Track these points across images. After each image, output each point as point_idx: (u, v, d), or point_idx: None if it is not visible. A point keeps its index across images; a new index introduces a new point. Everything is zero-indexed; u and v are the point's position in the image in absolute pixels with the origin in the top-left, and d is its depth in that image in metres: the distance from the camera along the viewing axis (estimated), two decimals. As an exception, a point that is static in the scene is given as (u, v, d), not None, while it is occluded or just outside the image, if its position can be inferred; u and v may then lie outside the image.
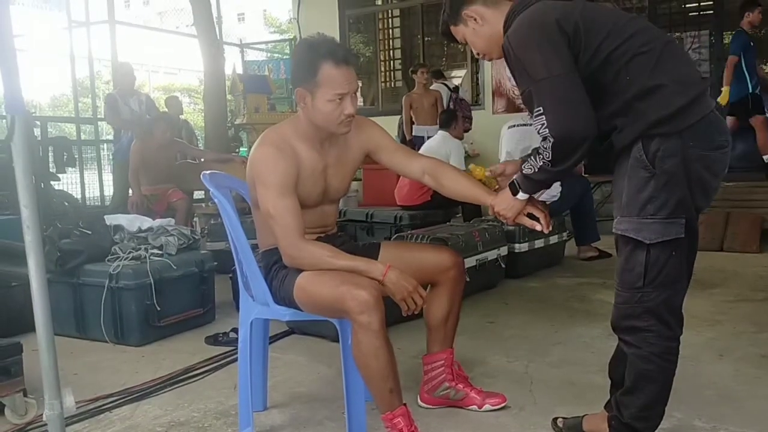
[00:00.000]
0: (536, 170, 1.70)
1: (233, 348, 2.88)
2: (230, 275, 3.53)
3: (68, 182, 7.55)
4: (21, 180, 1.53)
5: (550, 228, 1.93)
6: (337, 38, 2.63)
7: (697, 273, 4.30)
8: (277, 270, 2.01)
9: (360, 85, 9.32)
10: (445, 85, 7.70)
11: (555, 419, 2.04)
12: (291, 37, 11.78)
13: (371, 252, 2.13)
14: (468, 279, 2.44)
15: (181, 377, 2.62)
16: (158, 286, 3.12)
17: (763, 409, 2.18)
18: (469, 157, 6.79)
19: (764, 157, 5.88)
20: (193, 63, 16.86)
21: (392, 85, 9.66)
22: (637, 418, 1.73)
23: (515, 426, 2.10)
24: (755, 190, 5.80)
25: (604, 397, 1.90)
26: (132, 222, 3.44)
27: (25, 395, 2.28)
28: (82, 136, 9.24)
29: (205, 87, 7.98)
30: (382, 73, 9.43)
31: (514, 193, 1.84)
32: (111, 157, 7.26)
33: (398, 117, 7.51)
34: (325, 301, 1.85)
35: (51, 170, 6.52)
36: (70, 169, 7.04)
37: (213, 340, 3.09)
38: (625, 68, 1.60)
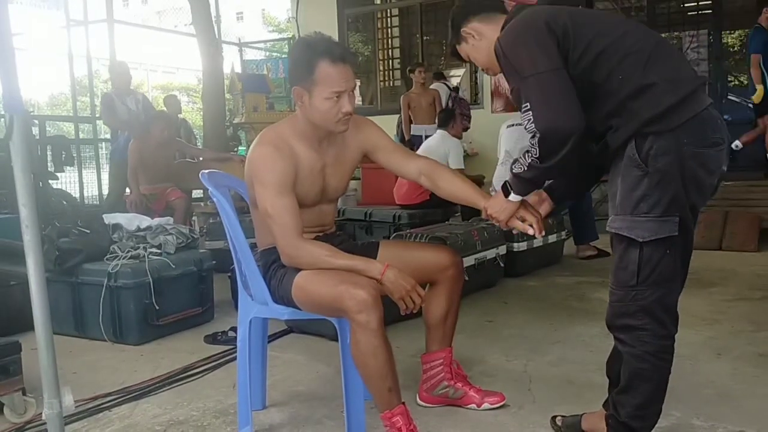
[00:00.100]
0: (526, 168, 1.71)
1: (232, 347, 2.88)
2: (229, 274, 3.53)
3: (66, 181, 7.54)
4: (20, 179, 1.53)
5: (543, 233, 1.93)
6: (336, 37, 2.64)
7: (696, 272, 4.32)
8: (275, 269, 2.01)
9: (359, 84, 9.33)
10: (446, 84, 7.71)
11: (554, 418, 2.04)
12: (290, 36, 11.76)
13: (370, 251, 2.13)
14: (467, 278, 2.44)
15: (180, 376, 2.62)
16: (157, 285, 3.12)
17: (761, 407, 2.19)
18: (467, 156, 6.80)
19: None
20: (192, 62, 16.83)
21: (391, 85, 9.66)
22: (634, 417, 1.74)
23: (514, 425, 2.10)
24: (753, 189, 5.81)
25: (603, 395, 1.90)
26: (131, 221, 3.44)
27: (24, 394, 2.28)
28: (81, 135, 9.21)
29: (203, 86, 7.98)
30: (381, 72, 9.43)
31: (507, 194, 1.85)
32: (108, 156, 7.25)
33: (397, 116, 7.51)
34: (324, 301, 1.85)
35: (49, 169, 6.51)
36: (68, 168, 7.03)
37: (212, 339, 3.09)
38: (618, 67, 1.61)
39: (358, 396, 1.95)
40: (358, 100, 9.17)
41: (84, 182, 7.93)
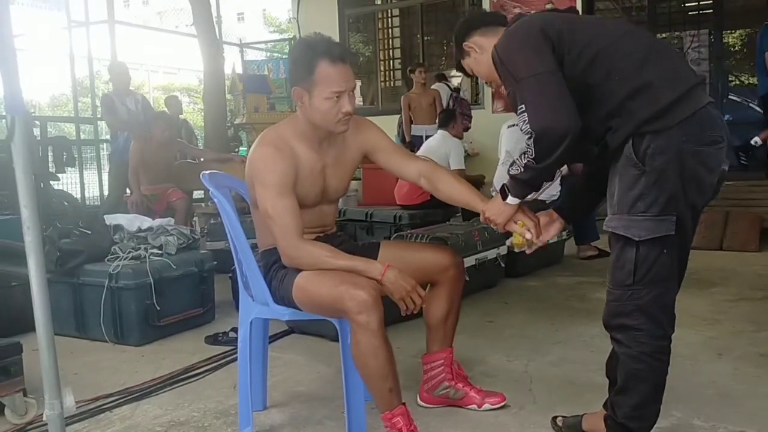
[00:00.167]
0: (522, 169, 1.72)
1: (233, 347, 2.88)
2: (230, 275, 3.53)
3: (68, 182, 7.55)
4: (21, 180, 1.53)
5: (540, 237, 1.93)
6: (337, 38, 2.65)
7: (697, 272, 4.31)
8: (276, 270, 2.01)
9: (359, 84, 9.33)
10: (447, 85, 7.71)
11: (554, 418, 2.04)
12: (290, 36, 11.78)
13: (371, 251, 2.13)
14: (467, 278, 2.44)
15: (181, 377, 2.62)
16: (158, 285, 3.12)
17: (762, 407, 2.19)
18: (468, 156, 6.80)
19: None
20: (193, 63, 16.85)
21: (392, 85, 9.66)
22: (631, 417, 1.74)
23: (515, 425, 2.10)
24: (754, 188, 5.80)
25: (604, 395, 1.90)
26: (131, 222, 3.44)
27: (25, 395, 2.28)
28: (82, 136, 9.23)
29: (204, 87, 7.98)
30: (382, 73, 9.43)
31: (504, 197, 1.85)
32: (108, 157, 7.25)
33: (398, 116, 7.52)
34: (324, 301, 1.85)
35: (50, 170, 6.52)
36: (69, 168, 7.04)
37: (213, 339, 3.10)
38: (614, 68, 1.62)
39: (359, 396, 1.95)
40: (359, 101, 9.17)
41: (85, 183, 7.94)
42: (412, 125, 7.17)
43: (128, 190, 5.51)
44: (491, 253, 3.96)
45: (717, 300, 3.60)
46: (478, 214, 2.04)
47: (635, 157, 1.60)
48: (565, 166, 4.27)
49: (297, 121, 2.01)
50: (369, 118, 2.26)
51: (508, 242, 2.03)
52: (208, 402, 2.36)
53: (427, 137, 5.89)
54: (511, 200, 1.85)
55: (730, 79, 9.06)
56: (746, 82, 10.68)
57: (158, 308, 3.12)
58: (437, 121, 5.75)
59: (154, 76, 25.83)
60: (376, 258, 2.06)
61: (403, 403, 1.88)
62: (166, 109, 8.11)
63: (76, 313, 3.20)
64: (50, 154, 6.66)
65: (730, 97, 7.53)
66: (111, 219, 3.45)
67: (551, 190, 4.53)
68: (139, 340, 3.08)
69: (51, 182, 6.33)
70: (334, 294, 1.80)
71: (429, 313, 2.19)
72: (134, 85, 6.45)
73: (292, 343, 3.03)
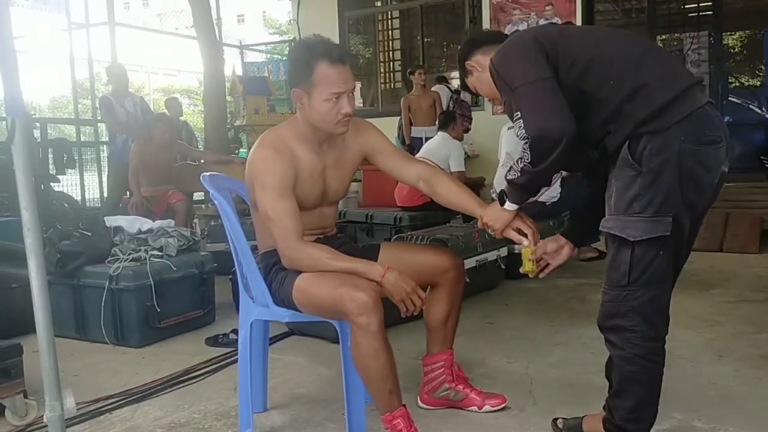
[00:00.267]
0: (519, 174, 1.73)
1: (233, 349, 2.88)
2: (230, 276, 3.53)
3: (68, 184, 7.55)
4: (21, 182, 1.53)
5: (538, 244, 1.94)
6: (337, 39, 2.65)
7: (697, 273, 4.31)
8: (276, 271, 2.01)
9: (360, 86, 9.34)
10: (447, 87, 7.71)
11: (555, 420, 2.04)
12: (291, 38, 11.79)
13: (371, 253, 2.13)
14: (468, 280, 2.44)
15: (182, 378, 2.62)
16: (158, 287, 3.12)
17: (763, 409, 2.19)
18: (468, 158, 6.80)
19: None
20: (193, 64, 16.85)
21: (392, 87, 9.67)
22: (628, 420, 1.74)
23: (515, 427, 2.10)
24: (754, 190, 5.81)
25: (604, 397, 1.89)
26: (132, 223, 3.44)
27: (25, 397, 2.28)
28: (82, 138, 9.23)
29: (204, 88, 7.98)
30: (382, 75, 9.44)
31: (502, 203, 1.86)
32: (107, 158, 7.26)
33: (398, 118, 7.52)
34: (324, 303, 1.85)
35: (51, 172, 6.52)
36: (69, 170, 7.05)
37: (213, 341, 3.10)
38: (609, 73, 1.64)
39: (359, 398, 1.95)
40: (359, 103, 9.18)
41: (85, 185, 7.94)
42: (412, 127, 7.17)
43: (128, 192, 5.51)
44: (491, 255, 3.96)
45: (717, 302, 3.60)
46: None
47: (631, 158, 1.60)
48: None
49: (297, 123, 2.01)
50: (369, 119, 2.26)
51: (521, 269, 2.05)
52: (208, 404, 2.36)
53: (427, 139, 5.89)
54: (509, 206, 1.87)
55: (729, 80, 9.05)
56: (746, 83, 10.69)
57: (158, 310, 3.12)
58: (437, 122, 5.75)
59: (155, 77, 25.85)
60: (376, 260, 2.06)
61: (404, 405, 1.88)
62: (166, 111, 8.12)
63: (76, 315, 3.20)
64: (50, 155, 6.67)
65: (729, 98, 7.52)
66: (111, 221, 3.45)
67: (551, 192, 4.53)
68: (139, 342, 3.08)
69: (51, 184, 6.33)
70: (334, 296, 1.80)
71: (429, 315, 2.19)
72: (135, 87, 6.47)
73: (292, 345, 3.03)
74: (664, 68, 1.66)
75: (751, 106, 7.35)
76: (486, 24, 7.80)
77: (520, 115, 1.64)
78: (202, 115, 9.38)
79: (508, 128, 4.94)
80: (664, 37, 8.66)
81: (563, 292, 3.94)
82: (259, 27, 27.35)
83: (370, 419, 1.98)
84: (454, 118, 5.44)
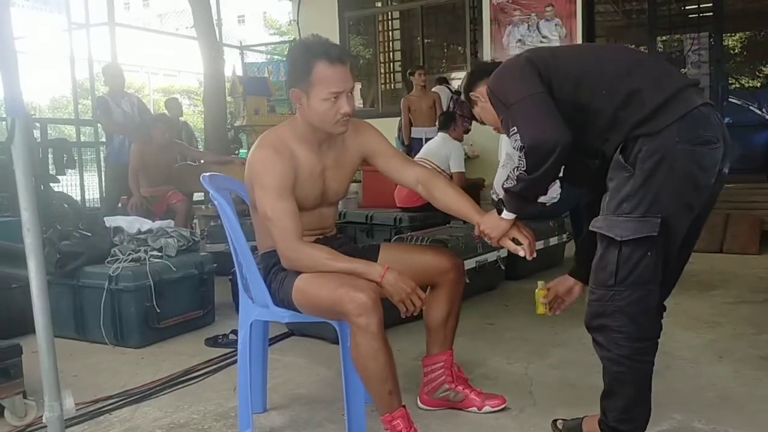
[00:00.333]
0: (515, 182, 1.76)
1: (233, 350, 2.88)
2: (230, 277, 3.53)
3: (68, 184, 7.55)
4: (21, 182, 1.53)
5: (534, 255, 1.95)
6: (337, 40, 2.66)
7: (697, 275, 4.30)
8: (276, 272, 2.01)
9: (359, 86, 9.33)
10: (447, 87, 7.71)
11: (555, 421, 2.04)
12: (291, 39, 11.80)
13: (371, 254, 2.13)
14: (468, 281, 2.44)
15: (181, 379, 2.62)
16: (158, 287, 3.12)
17: (763, 410, 2.18)
18: (468, 159, 6.79)
19: None
20: (193, 65, 16.85)
21: (392, 87, 9.66)
22: (621, 420, 1.75)
23: (515, 427, 2.10)
24: (755, 191, 5.81)
25: (604, 398, 1.90)
26: (131, 224, 3.44)
27: (24, 397, 2.28)
28: (82, 138, 9.23)
29: (204, 89, 7.98)
30: (382, 75, 9.43)
31: (500, 212, 1.87)
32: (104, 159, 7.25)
33: (398, 119, 7.51)
34: (324, 304, 1.85)
35: (51, 172, 6.52)
36: (69, 170, 7.04)
37: (213, 341, 3.09)
38: (601, 83, 1.69)
39: (359, 399, 1.94)
40: (359, 104, 9.17)
41: (85, 185, 7.94)
42: (412, 128, 7.17)
43: (126, 194, 5.50)
44: (491, 256, 3.96)
45: (717, 303, 3.60)
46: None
47: (626, 160, 1.63)
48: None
49: (296, 124, 2.01)
50: (369, 120, 2.26)
51: (535, 313, 2.07)
52: (207, 404, 2.36)
53: (427, 140, 5.89)
54: (506, 215, 1.89)
55: (730, 81, 9.05)
56: (746, 85, 10.69)
57: (158, 310, 3.11)
58: (437, 123, 5.74)
59: (155, 78, 25.83)
60: (376, 260, 2.06)
61: (403, 406, 1.88)
62: (166, 111, 8.12)
63: (75, 315, 3.20)
64: (50, 156, 6.66)
65: (730, 99, 7.52)
66: (111, 221, 3.45)
67: (551, 193, 4.51)
68: (138, 342, 3.08)
69: (51, 184, 6.33)
70: (333, 296, 1.80)
71: (429, 316, 2.19)
72: (135, 88, 6.48)
73: (292, 346, 3.03)
74: (656, 73, 1.69)
75: (751, 107, 7.35)
76: (486, 25, 7.80)
77: (516, 131, 1.69)
78: (202, 116, 9.37)
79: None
80: (664, 38, 8.65)
81: (563, 293, 3.93)
82: (259, 27, 27.35)
83: (370, 420, 1.98)
84: (454, 119, 5.43)
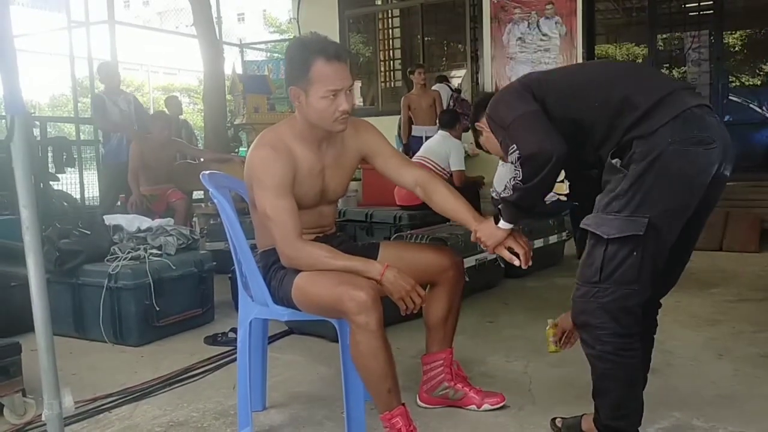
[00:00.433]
0: (512, 191, 1.78)
1: (232, 348, 2.88)
2: (229, 275, 3.53)
3: (67, 182, 7.54)
4: (21, 180, 1.53)
5: (530, 264, 1.96)
6: (337, 38, 2.65)
7: (697, 273, 4.31)
8: (275, 270, 2.01)
9: (360, 85, 9.33)
10: (448, 86, 7.70)
11: (554, 419, 2.04)
12: (291, 37, 11.79)
13: (370, 252, 2.13)
14: (467, 279, 2.44)
15: (180, 377, 2.62)
16: (157, 286, 3.12)
17: (763, 408, 2.19)
18: (468, 157, 6.79)
19: None
20: (193, 63, 16.82)
21: (392, 85, 9.65)
22: (613, 418, 1.76)
23: (514, 425, 2.10)
24: (754, 189, 5.81)
25: (603, 396, 1.90)
26: (131, 222, 3.44)
27: (24, 395, 2.28)
28: (81, 136, 9.24)
29: (204, 87, 7.97)
30: (382, 73, 9.42)
31: (497, 221, 1.88)
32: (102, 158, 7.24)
33: (398, 117, 7.51)
34: (323, 302, 1.85)
35: (50, 170, 6.52)
36: (69, 169, 7.04)
37: (212, 340, 3.09)
38: (591, 97, 1.72)
39: (359, 397, 1.94)
40: (359, 102, 9.17)
41: (85, 183, 7.94)
42: (412, 126, 7.16)
43: (124, 194, 5.50)
44: (491, 254, 3.95)
45: (717, 301, 3.60)
46: (479, 213, 2.06)
47: (619, 162, 1.65)
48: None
49: (295, 122, 2.01)
50: (369, 118, 2.26)
51: (548, 350, 2.08)
52: (207, 402, 2.36)
53: (427, 138, 5.88)
54: (503, 225, 1.90)
55: (730, 79, 9.04)
56: (747, 83, 10.68)
57: (157, 309, 3.11)
58: (437, 121, 5.73)
59: (154, 76, 25.79)
60: (375, 258, 2.06)
61: (403, 404, 1.88)
62: (166, 109, 8.12)
63: (75, 314, 3.20)
64: (50, 154, 6.66)
65: (730, 97, 7.52)
66: (110, 219, 3.45)
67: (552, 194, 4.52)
68: (138, 341, 3.08)
69: (50, 182, 6.33)
70: (333, 294, 1.80)
71: (429, 314, 2.19)
72: (134, 86, 6.47)
73: (291, 344, 3.03)
74: (646, 78, 1.75)
75: (751, 105, 7.36)
76: (486, 23, 7.79)
77: (515, 149, 1.72)
78: (202, 114, 9.37)
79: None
80: (664, 35, 8.65)
81: (563, 291, 3.92)
82: (259, 25, 27.34)
83: (369, 418, 1.98)
84: (458, 118, 5.42)
